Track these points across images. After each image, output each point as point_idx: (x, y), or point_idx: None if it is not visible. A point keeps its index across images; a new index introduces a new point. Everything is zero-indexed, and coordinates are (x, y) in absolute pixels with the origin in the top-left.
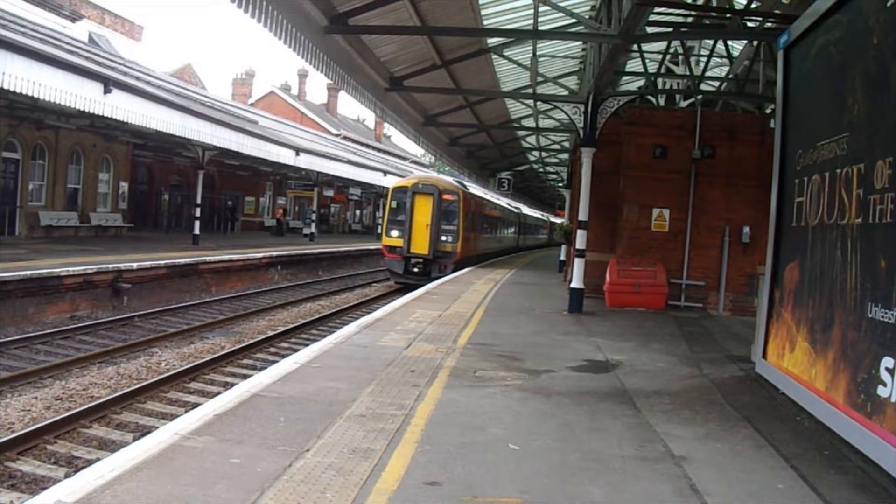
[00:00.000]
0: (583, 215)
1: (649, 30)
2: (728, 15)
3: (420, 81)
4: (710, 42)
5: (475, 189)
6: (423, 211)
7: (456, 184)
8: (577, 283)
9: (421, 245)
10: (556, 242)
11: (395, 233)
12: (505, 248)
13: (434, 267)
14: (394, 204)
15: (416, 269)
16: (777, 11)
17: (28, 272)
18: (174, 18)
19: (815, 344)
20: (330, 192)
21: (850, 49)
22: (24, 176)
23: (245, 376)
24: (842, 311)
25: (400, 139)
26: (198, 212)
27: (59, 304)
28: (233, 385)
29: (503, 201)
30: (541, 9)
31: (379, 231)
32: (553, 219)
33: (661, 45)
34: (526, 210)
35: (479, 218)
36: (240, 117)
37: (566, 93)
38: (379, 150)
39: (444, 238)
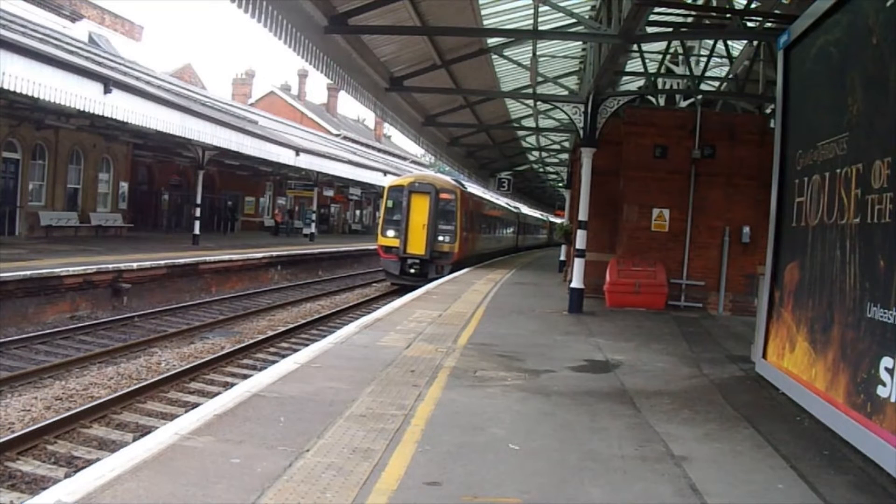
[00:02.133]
0: (583, 215)
1: (649, 30)
2: (728, 15)
3: (420, 81)
4: (710, 42)
5: (473, 188)
6: (420, 210)
7: (454, 182)
8: (577, 283)
9: (417, 245)
10: (556, 242)
11: (391, 233)
12: (504, 248)
13: (431, 268)
14: (390, 203)
15: (412, 271)
16: (777, 11)
17: (28, 272)
18: (174, 18)
19: (815, 344)
20: (330, 192)
21: (850, 49)
22: (24, 176)
23: (245, 376)
24: (841, 311)
25: (400, 139)
26: (198, 212)
27: (59, 304)
28: (233, 385)
29: (502, 200)
30: (541, 9)
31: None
32: (552, 219)
33: (661, 45)
34: (525, 210)
35: (477, 217)
36: (240, 117)
37: (566, 93)
38: (379, 150)
39: (441, 238)
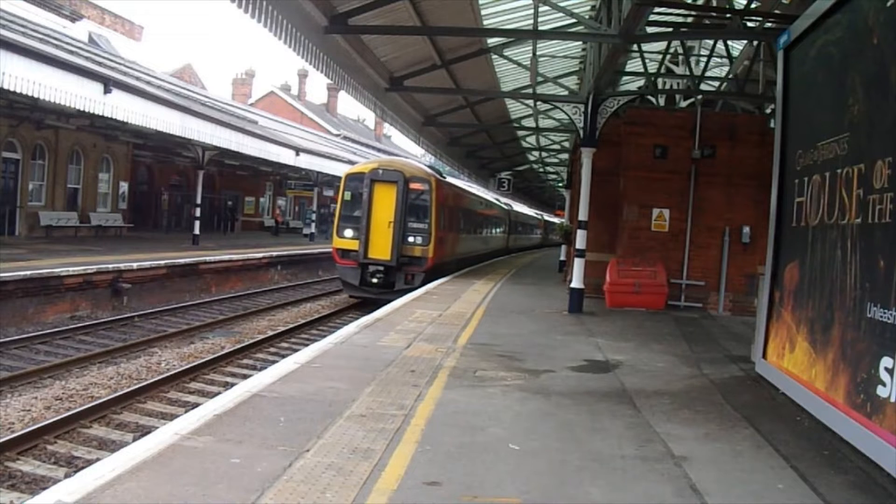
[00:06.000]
0: (583, 215)
1: (649, 30)
2: (728, 15)
3: (420, 81)
4: (710, 42)
5: (453, 178)
6: (385, 204)
7: (427, 170)
8: (577, 283)
9: (382, 249)
10: (551, 243)
11: (349, 233)
12: (491, 250)
13: (399, 276)
14: (347, 195)
15: (375, 280)
16: (777, 11)
17: (28, 272)
18: (174, 18)
19: (815, 344)
20: (330, 192)
21: (850, 49)
22: (24, 176)
23: (245, 376)
24: (841, 311)
25: (400, 139)
26: (198, 212)
27: (60, 304)
28: (233, 385)
29: (489, 195)
30: (541, 9)
31: None
32: (547, 217)
33: (661, 45)
34: (517, 207)
35: (457, 214)
36: (240, 117)
37: (566, 93)
38: (379, 150)
39: (411, 239)
